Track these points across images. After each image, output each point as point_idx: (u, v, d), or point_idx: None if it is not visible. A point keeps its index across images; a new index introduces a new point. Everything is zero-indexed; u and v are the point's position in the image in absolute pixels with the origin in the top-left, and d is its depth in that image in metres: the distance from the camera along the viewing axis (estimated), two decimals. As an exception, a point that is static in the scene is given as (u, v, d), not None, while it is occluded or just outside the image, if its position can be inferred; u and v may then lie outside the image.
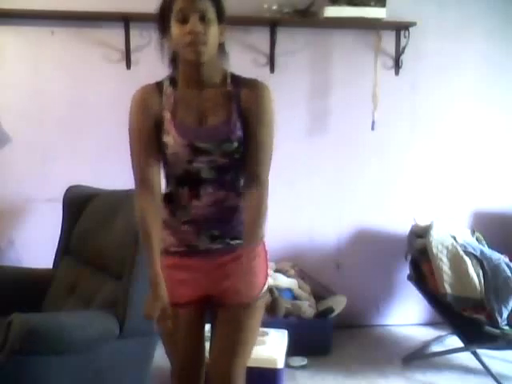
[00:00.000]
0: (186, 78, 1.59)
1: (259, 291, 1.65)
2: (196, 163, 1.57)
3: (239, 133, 1.57)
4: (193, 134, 1.56)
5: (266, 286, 1.69)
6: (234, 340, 1.64)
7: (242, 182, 1.65)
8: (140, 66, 3.26)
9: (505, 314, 2.82)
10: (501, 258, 2.97)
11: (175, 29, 1.51)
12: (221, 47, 1.60)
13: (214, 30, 1.52)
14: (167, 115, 1.58)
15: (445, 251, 2.96)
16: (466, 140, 3.62)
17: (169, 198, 1.64)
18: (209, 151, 1.56)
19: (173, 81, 1.62)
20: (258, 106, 1.58)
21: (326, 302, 3.27)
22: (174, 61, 1.62)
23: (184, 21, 1.50)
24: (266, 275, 1.69)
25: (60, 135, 3.29)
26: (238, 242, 1.63)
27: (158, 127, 1.58)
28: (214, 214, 1.61)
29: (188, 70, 1.58)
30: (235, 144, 1.56)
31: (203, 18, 1.50)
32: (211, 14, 1.52)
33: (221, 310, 1.67)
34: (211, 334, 1.74)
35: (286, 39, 3.36)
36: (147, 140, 1.58)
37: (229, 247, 1.63)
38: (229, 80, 1.61)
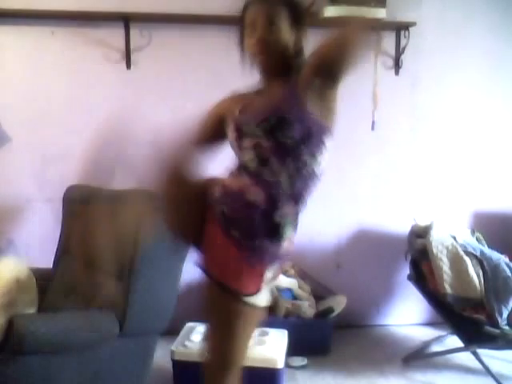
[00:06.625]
0: (262, 82, 1.65)
1: (239, 289, 1.55)
2: (244, 150, 1.56)
3: (280, 111, 1.52)
4: (240, 119, 1.59)
5: (256, 300, 1.58)
6: (222, 357, 1.62)
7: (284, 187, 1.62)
8: (140, 66, 3.26)
9: (505, 314, 2.82)
10: (501, 258, 2.97)
11: (246, 39, 1.59)
12: (298, 50, 1.63)
13: (284, 35, 1.56)
14: (236, 112, 1.61)
15: (445, 251, 2.96)
16: (466, 140, 3.62)
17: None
18: (250, 133, 1.55)
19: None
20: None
21: (326, 301, 3.27)
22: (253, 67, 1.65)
23: (254, 30, 1.56)
24: (257, 287, 1.58)
25: (60, 135, 3.29)
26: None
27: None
28: (236, 199, 1.58)
29: (263, 74, 1.63)
30: (272, 121, 1.51)
31: (273, 24, 1.54)
32: (283, 19, 1.56)
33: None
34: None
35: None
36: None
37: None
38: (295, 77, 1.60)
